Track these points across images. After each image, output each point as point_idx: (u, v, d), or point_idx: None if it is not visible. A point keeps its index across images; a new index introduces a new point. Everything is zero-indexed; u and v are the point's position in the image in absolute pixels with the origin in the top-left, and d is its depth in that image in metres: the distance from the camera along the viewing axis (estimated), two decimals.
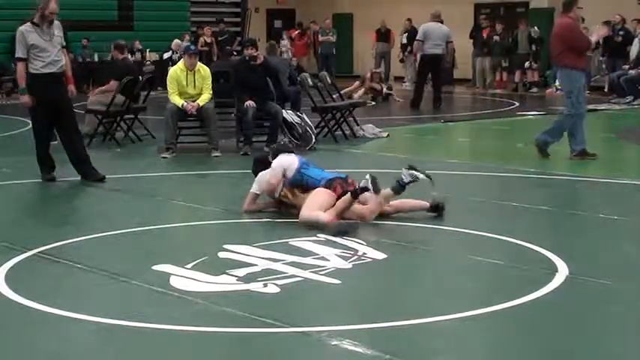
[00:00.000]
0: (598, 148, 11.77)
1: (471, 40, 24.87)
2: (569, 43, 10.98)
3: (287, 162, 7.91)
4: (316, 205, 7.44)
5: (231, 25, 27.72)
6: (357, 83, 20.45)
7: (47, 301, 5.42)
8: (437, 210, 7.83)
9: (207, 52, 24.56)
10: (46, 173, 9.83)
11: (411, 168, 7.81)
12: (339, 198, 7.52)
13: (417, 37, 19.10)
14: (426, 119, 16.96)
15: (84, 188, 9.64)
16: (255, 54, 12.36)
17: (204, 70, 11.96)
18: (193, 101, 11.74)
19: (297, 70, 15.89)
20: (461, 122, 16.51)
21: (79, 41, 23.75)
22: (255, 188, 7.96)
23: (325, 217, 7.29)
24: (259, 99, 11.99)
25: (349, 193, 7.46)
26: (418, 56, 19.46)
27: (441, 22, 19.09)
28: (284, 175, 7.83)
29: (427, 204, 7.85)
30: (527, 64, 23.23)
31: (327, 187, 7.62)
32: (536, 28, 23.35)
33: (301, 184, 7.78)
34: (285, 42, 25.93)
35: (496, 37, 23.54)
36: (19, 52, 9.55)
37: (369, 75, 20.74)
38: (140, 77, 14.05)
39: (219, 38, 25.43)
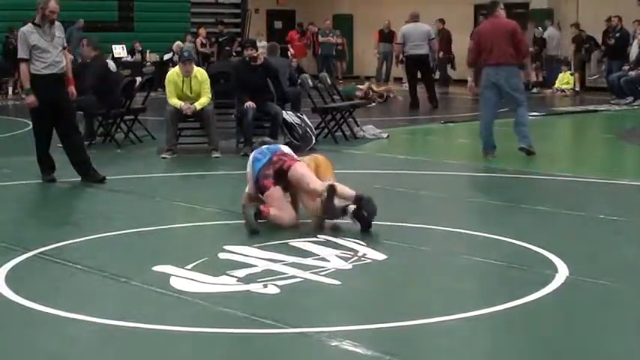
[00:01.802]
0: (598, 148, 11.78)
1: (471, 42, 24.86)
2: (519, 44, 11.35)
3: (250, 160, 7.80)
4: (275, 205, 7.43)
5: (231, 25, 27.73)
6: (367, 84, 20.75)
7: (47, 302, 5.42)
8: (359, 203, 7.27)
9: (206, 53, 24.62)
10: (47, 174, 9.83)
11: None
12: (277, 183, 7.44)
13: (397, 41, 19.16)
14: (425, 120, 16.97)
15: (84, 189, 9.64)
16: (255, 54, 12.37)
17: (201, 74, 11.95)
18: (192, 103, 11.75)
19: (297, 71, 15.91)
20: (460, 123, 16.51)
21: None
22: (247, 188, 7.95)
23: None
24: (259, 100, 12.00)
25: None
26: (400, 58, 19.53)
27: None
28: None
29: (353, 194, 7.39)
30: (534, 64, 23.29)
31: (262, 189, 7.49)
32: (540, 28, 23.36)
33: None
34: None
35: None
36: (22, 53, 9.55)
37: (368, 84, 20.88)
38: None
39: (220, 39, 25.45)
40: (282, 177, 7.53)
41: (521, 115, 11.55)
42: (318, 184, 7.38)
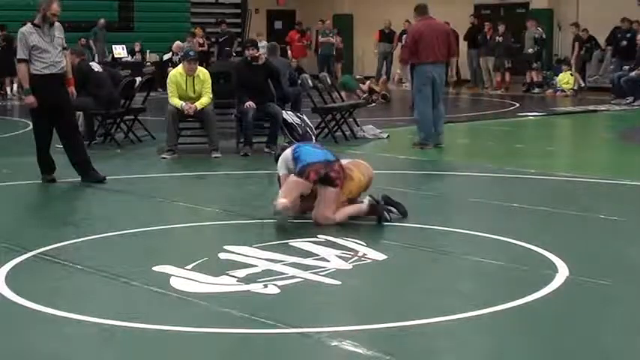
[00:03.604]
0: (598, 148, 11.79)
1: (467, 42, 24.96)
2: (452, 45, 12.82)
3: (284, 160, 7.69)
4: (287, 191, 7.42)
5: (231, 25, 27.75)
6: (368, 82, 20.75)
7: (47, 302, 5.42)
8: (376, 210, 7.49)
9: (205, 52, 24.64)
10: (47, 174, 9.83)
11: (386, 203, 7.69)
12: (316, 183, 7.40)
13: None
14: None
15: (84, 189, 9.64)
16: (256, 54, 12.38)
17: (203, 74, 11.96)
18: (192, 103, 11.75)
19: (297, 71, 15.91)
20: (461, 123, 16.52)
21: (77, 42, 23.80)
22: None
23: (280, 202, 7.30)
24: (259, 100, 12.00)
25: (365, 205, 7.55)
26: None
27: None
28: (291, 171, 7.59)
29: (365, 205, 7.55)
30: (535, 64, 23.32)
31: (300, 174, 7.41)
32: (539, 28, 23.40)
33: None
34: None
35: (499, 38, 23.48)
36: (21, 54, 9.55)
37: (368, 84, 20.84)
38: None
39: (220, 39, 25.47)
40: (324, 182, 7.43)
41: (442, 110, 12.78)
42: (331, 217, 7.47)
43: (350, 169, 7.73)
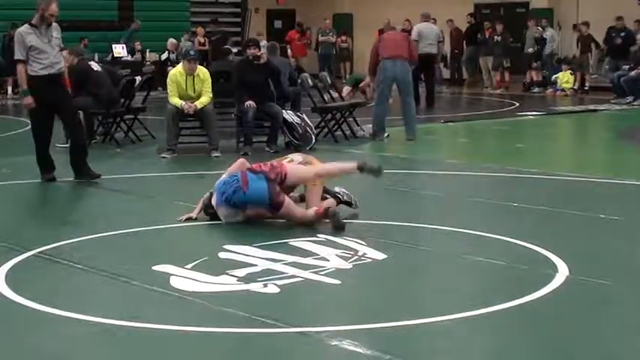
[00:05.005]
0: (598, 148, 11.78)
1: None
2: (413, 49, 13.99)
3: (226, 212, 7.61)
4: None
5: (230, 25, 27.74)
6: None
7: (47, 302, 5.42)
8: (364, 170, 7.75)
9: (206, 52, 24.63)
10: (46, 174, 9.83)
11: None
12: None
13: (412, 37, 19.25)
14: (426, 119, 16.94)
15: (84, 188, 9.64)
16: (258, 54, 12.38)
17: (203, 73, 11.95)
18: (192, 103, 11.75)
19: (297, 71, 15.90)
20: (461, 122, 16.52)
21: (78, 42, 23.79)
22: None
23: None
24: (259, 99, 12.00)
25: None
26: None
27: (434, 22, 19.49)
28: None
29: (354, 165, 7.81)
30: (534, 64, 23.34)
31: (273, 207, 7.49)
32: (539, 27, 23.40)
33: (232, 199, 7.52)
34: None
35: (497, 38, 23.49)
36: (19, 54, 9.55)
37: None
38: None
39: (213, 38, 25.47)
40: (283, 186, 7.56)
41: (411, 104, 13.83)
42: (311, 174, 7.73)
43: (308, 162, 7.98)
